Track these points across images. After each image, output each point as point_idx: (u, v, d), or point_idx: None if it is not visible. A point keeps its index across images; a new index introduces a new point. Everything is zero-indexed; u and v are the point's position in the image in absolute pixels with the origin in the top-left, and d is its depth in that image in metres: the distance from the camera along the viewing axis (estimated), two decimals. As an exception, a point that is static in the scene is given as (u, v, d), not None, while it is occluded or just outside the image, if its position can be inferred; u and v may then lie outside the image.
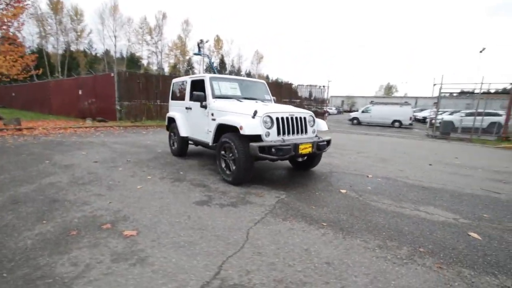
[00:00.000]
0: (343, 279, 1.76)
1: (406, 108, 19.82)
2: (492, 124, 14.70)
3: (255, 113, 3.56)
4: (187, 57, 53.24)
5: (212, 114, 4.29)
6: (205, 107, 4.44)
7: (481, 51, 28.70)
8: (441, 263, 1.99)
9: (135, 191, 3.34)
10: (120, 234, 2.26)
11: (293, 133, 3.85)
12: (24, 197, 3.04)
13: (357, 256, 2.05)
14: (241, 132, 3.41)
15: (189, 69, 53.68)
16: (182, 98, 5.35)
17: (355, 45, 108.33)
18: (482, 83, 11.50)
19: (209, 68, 53.06)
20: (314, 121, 4.22)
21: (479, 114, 13.67)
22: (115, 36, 40.89)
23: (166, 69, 51.08)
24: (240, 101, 4.54)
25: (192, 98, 4.43)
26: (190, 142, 5.29)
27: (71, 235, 2.23)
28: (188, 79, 5.14)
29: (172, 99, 5.84)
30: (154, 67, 50.77)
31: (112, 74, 12.73)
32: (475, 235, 2.44)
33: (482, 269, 1.95)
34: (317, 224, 2.57)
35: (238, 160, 3.50)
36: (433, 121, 18.66)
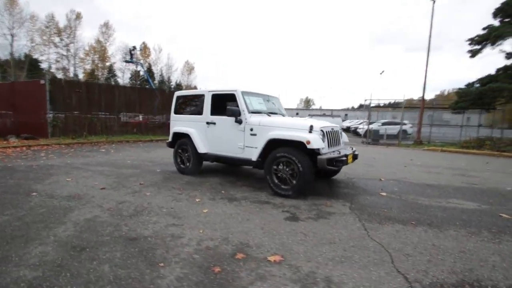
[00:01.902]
0: (485, 261, 2.17)
1: (337, 119, 22.94)
2: (402, 131, 18.73)
3: (311, 127, 3.76)
4: (108, 64, 47.57)
5: (251, 129, 4.23)
6: (239, 122, 4.33)
7: (381, 73, 35.87)
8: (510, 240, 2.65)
9: (209, 216, 3.03)
10: (267, 261, 2.10)
11: (335, 145, 4.20)
12: (81, 240, 2.38)
13: (468, 243, 2.49)
14: (309, 146, 3.55)
15: (111, 77, 48.03)
16: (196, 112, 5.00)
17: (277, 61, 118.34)
18: (404, 99, 14.48)
19: (136, 76, 48.71)
20: (341, 133, 4.68)
21: (397, 123, 17.15)
22: (11, 35, 33.06)
23: (81, 76, 44.25)
24: (269, 115, 4.63)
25: (226, 113, 4.26)
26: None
27: (218, 272, 1.94)
28: (207, 92, 4.87)
29: (177, 113, 5.37)
30: (61, 73, 43.11)
31: (43, 81, 10.48)
32: (506, 216, 3.28)
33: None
34: (409, 224, 2.94)
35: (303, 174, 3.60)
36: (358, 130, 22.15)
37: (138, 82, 46.76)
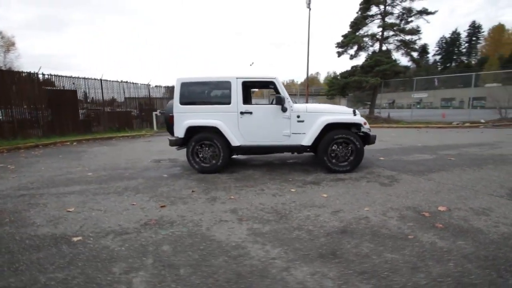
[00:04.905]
0: (493, 179, 3.76)
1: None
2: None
3: (355, 111, 4.48)
4: None
5: (298, 116, 4.41)
6: (285, 109, 4.38)
7: (250, 65, 40.34)
8: (481, 167, 4.55)
9: (338, 198, 3.23)
10: (442, 211, 2.73)
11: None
12: (307, 250, 2.10)
13: (476, 174, 4.09)
14: (365, 126, 4.27)
15: None
16: (222, 102, 4.47)
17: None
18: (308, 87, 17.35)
19: None
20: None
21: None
22: None
23: None
24: (295, 102, 4.93)
25: (275, 101, 4.21)
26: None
27: (441, 227, 2.41)
28: (234, 79, 4.42)
29: (185, 103, 4.50)
30: None
31: None
32: (452, 158, 5.37)
33: (481, 165, 4.72)
34: (432, 172, 4.30)
35: (360, 150, 4.30)
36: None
37: None
